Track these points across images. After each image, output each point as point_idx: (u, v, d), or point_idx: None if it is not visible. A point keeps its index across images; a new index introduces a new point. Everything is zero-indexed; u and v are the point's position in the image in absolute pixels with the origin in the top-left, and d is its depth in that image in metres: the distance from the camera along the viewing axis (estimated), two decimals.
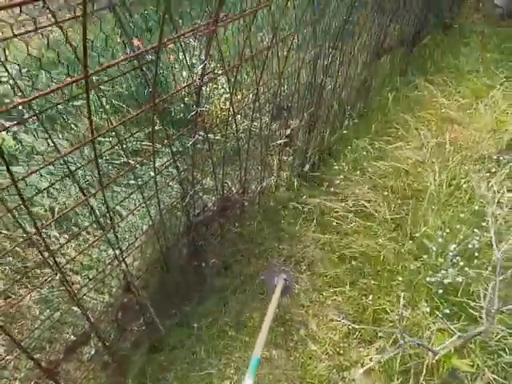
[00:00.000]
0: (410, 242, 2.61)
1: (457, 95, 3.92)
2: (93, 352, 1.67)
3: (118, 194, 1.85)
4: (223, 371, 2.08)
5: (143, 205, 1.57)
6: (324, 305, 2.41)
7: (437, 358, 1.39)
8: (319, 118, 2.80)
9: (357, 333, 2.26)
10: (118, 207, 1.90)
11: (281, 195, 2.67)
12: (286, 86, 2.22)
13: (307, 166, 2.84)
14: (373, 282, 2.45)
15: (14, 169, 2.43)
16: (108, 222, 1.38)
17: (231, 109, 1.78)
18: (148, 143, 2.62)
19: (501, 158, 3.06)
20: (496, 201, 2.33)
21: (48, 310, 1.62)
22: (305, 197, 2.86)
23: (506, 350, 1.55)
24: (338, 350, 2.19)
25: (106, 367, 1.75)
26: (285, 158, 2.78)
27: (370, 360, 1.87)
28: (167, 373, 2.07)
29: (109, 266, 1.52)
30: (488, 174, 2.94)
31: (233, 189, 2.21)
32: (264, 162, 2.40)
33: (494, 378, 1.43)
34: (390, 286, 2.40)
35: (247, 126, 2.23)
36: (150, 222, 1.64)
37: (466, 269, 2.20)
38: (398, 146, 3.28)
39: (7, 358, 1.36)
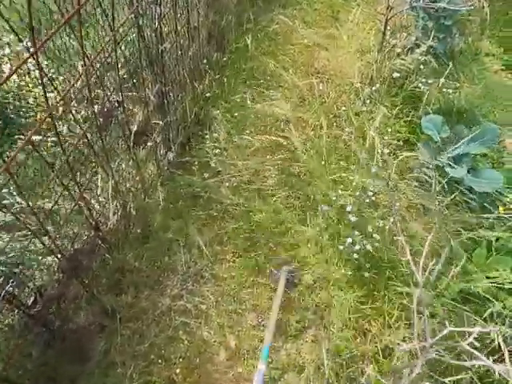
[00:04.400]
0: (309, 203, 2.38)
1: (315, 20, 3.58)
2: None
3: None
4: None
5: None
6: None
7: None
8: (170, 92, 2.20)
9: None
10: None
11: (152, 204, 2.13)
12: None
13: (171, 155, 2.30)
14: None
15: None
16: None
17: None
18: None
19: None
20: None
21: None
22: (181, 190, 2.38)
23: None
24: None
25: None
26: (143, 153, 2.18)
27: None
28: None
29: None
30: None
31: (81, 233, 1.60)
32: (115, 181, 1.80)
33: None
34: None
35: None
36: None
37: None
38: (272, 96, 2.90)
39: None
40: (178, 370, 1.91)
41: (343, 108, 2.80)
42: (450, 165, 2.19)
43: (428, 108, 2.54)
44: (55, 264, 1.43)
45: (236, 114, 2.72)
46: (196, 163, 2.48)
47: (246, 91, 2.89)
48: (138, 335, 1.97)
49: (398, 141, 2.67)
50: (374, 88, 2.71)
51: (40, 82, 1.13)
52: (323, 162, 2.58)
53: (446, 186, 2.16)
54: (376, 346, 1.78)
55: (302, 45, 3.32)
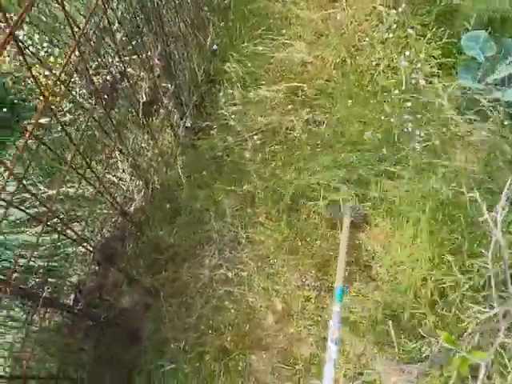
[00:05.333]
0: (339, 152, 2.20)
1: None
2: None
3: None
4: None
5: None
6: None
7: None
8: (175, 51, 1.99)
9: None
10: None
11: (175, 176, 2.01)
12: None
13: (186, 120, 2.12)
14: None
15: None
16: None
17: None
18: None
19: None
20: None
21: None
22: (203, 157, 2.23)
23: None
24: None
25: None
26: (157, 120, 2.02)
27: None
28: None
29: None
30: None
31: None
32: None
33: None
34: None
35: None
36: None
37: None
38: (284, 37, 2.60)
39: None
40: (228, 338, 1.90)
41: (366, 38, 2.49)
42: (498, 88, 1.93)
43: (466, 24, 2.20)
44: (89, 257, 1.37)
45: (249, 64, 2.47)
46: (214, 126, 2.30)
47: (256, 36, 2.61)
48: (184, 309, 1.96)
49: (432, 67, 2.38)
50: (399, 9, 2.36)
51: (24, 62, 0.98)
52: (350, 103, 2.35)
53: (495, 113, 1.91)
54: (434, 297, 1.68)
55: None
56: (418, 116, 2.12)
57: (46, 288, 1.09)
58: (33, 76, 0.93)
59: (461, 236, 1.75)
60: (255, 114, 2.39)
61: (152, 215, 1.91)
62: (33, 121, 1.62)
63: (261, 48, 2.54)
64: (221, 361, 1.84)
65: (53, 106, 1.08)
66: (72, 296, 1.32)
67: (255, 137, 2.30)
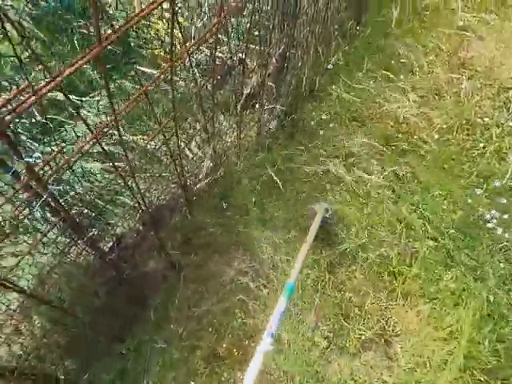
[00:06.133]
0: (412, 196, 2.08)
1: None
2: None
3: None
4: None
5: None
6: None
7: None
8: (293, 56, 1.97)
9: None
10: None
11: (241, 172, 2.00)
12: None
13: (273, 124, 2.10)
14: None
15: None
16: None
17: None
18: None
19: None
20: None
21: None
22: (274, 164, 2.20)
23: None
24: None
25: None
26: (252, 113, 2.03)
27: None
28: None
29: None
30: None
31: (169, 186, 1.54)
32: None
33: None
34: None
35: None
36: None
37: None
38: (400, 82, 2.51)
39: None
40: (224, 345, 1.87)
41: (484, 117, 2.33)
42: None
43: None
44: (139, 214, 1.40)
45: (353, 94, 2.41)
46: (295, 137, 2.28)
47: (373, 70, 2.54)
48: (196, 297, 1.95)
49: None
50: None
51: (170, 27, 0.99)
52: (440, 172, 2.22)
53: None
54: None
55: (453, 28, 2.79)
56: (507, 217, 1.95)
57: (93, 229, 1.12)
58: (172, 33, 0.94)
59: (504, 360, 1.58)
60: (337, 143, 2.33)
61: (206, 199, 1.91)
62: (143, 69, 1.68)
63: (372, 84, 2.47)
64: (209, 363, 1.81)
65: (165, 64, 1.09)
66: (109, 245, 1.35)
67: (331, 163, 2.24)
